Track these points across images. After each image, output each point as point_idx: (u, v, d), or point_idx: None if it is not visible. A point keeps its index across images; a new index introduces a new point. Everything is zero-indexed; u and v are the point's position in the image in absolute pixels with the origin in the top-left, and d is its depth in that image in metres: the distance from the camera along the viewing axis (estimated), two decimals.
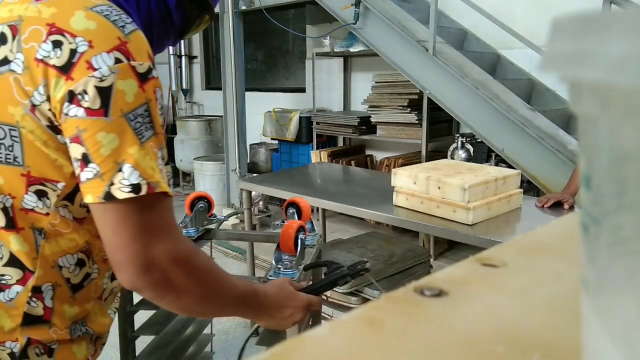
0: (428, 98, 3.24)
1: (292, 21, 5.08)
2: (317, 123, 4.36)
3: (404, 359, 0.23)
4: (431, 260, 2.71)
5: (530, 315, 0.28)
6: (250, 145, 4.84)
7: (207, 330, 1.35)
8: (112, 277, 0.82)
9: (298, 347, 0.24)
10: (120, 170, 0.64)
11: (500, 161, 3.04)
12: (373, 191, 2.46)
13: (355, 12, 3.24)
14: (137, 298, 1.34)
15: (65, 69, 0.63)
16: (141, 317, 1.26)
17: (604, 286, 0.16)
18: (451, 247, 3.68)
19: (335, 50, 4.23)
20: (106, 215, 0.66)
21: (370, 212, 2.13)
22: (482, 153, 3.36)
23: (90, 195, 0.65)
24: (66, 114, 0.64)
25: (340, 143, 4.72)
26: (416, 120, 3.63)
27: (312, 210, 3.88)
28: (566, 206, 1.98)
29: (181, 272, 0.69)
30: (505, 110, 2.71)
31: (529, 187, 2.87)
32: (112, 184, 0.64)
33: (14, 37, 0.66)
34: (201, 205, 1.32)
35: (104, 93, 0.63)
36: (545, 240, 0.40)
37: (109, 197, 0.64)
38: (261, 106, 4.96)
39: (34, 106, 0.66)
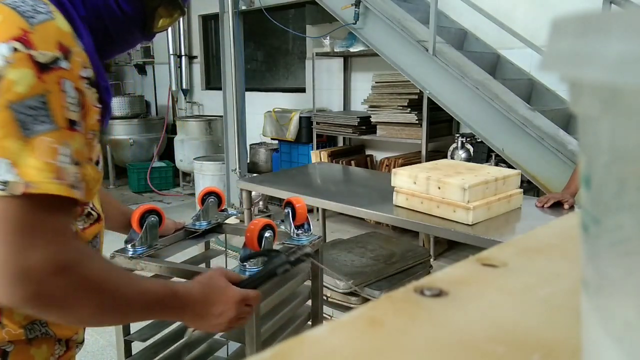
0: (428, 98, 3.24)
1: (292, 21, 5.08)
2: (317, 123, 4.36)
3: (404, 359, 0.23)
4: (431, 260, 2.72)
5: (530, 315, 0.28)
6: (250, 145, 4.84)
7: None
8: None
9: (298, 347, 0.24)
10: None
11: (500, 161, 3.04)
12: (373, 191, 2.46)
13: (355, 12, 3.24)
14: None
15: None
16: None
17: (604, 286, 0.16)
18: (451, 247, 3.68)
19: (335, 50, 4.23)
20: None
21: (370, 212, 2.13)
22: (482, 153, 3.36)
23: None
24: None
25: (340, 143, 4.72)
26: (416, 120, 3.63)
27: (312, 210, 3.90)
28: (566, 206, 1.98)
29: (64, 283, 0.61)
30: (505, 110, 2.71)
31: (529, 187, 2.87)
32: None
33: None
34: (212, 200, 1.34)
35: None
36: (545, 240, 0.40)
37: None
38: (261, 106, 4.97)
39: None
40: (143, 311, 0.72)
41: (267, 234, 1.09)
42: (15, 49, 0.59)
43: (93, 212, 0.82)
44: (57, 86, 0.61)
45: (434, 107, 3.29)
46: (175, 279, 1.16)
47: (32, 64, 0.59)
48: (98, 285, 0.65)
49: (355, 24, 3.27)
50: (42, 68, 0.60)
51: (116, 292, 0.67)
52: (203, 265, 1.32)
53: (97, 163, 0.76)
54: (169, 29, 5.46)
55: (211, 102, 5.93)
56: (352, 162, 4.20)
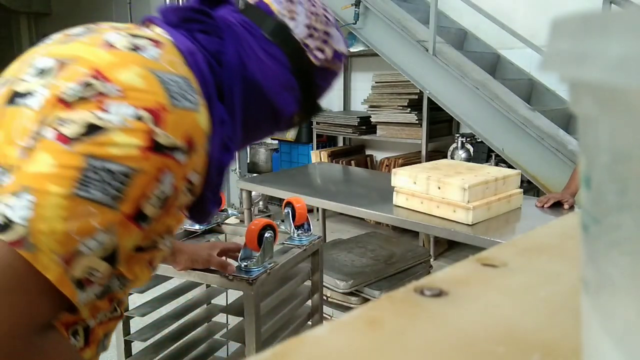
0: (428, 98, 3.24)
1: None
2: (317, 123, 4.35)
3: (404, 359, 0.23)
4: (431, 260, 2.71)
5: (530, 315, 0.28)
6: (250, 145, 4.84)
7: (216, 335, 1.35)
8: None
9: (298, 347, 0.24)
10: (18, 195, 0.48)
11: (500, 161, 3.04)
12: (373, 191, 2.46)
13: (355, 12, 3.24)
14: (133, 304, 1.35)
15: (72, 103, 0.52)
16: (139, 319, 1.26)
17: (604, 286, 0.16)
18: (451, 247, 3.68)
19: None
20: None
21: (370, 212, 2.13)
22: (482, 153, 3.37)
23: None
24: (40, 135, 0.51)
25: (340, 143, 4.72)
26: (416, 120, 3.63)
27: (312, 210, 3.89)
28: (566, 206, 1.98)
29: None
30: (505, 110, 2.71)
31: (529, 187, 2.87)
32: None
33: (55, 72, 0.55)
34: None
35: (91, 130, 0.50)
36: (545, 240, 0.40)
37: None
38: None
39: (28, 149, 0.53)
40: None
41: (267, 234, 1.09)
42: (140, 118, 0.51)
43: (118, 309, 0.69)
44: (155, 172, 0.52)
45: (434, 107, 3.29)
46: (174, 278, 1.16)
47: (147, 139, 0.51)
48: None
49: (355, 24, 3.27)
50: (155, 148, 0.52)
51: None
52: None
53: (154, 268, 0.67)
54: None
55: None
56: (352, 162, 4.20)
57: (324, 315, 1.41)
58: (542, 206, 2.01)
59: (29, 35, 7.86)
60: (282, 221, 1.30)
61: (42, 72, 0.56)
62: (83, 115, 0.50)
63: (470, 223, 1.83)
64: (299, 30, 0.71)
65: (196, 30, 0.66)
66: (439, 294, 0.30)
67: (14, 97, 0.56)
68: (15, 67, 0.61)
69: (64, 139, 0.49)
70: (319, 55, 0.72)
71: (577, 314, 0.19)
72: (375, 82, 3.97)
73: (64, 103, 0.52)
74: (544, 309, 0.29)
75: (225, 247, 1.15)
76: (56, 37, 0.63)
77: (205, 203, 0.66)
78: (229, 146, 0.65)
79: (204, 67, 0.63)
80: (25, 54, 0.63)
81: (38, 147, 0.50)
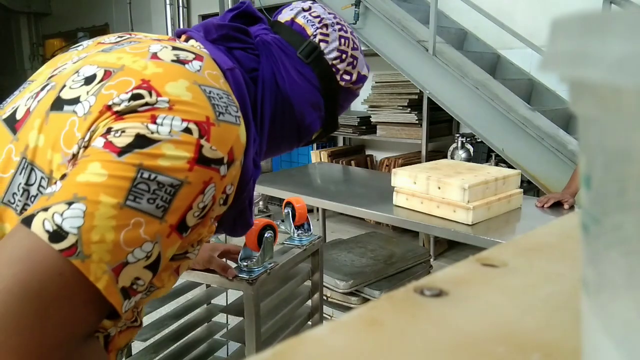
0: (428, 98, 3.24)
1: None
2: None
3: (404, 359, 0.23)
4: (431, 260, 2.71)
5: (530, 315, 0.28)
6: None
7: (216, 335, 1.35)
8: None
9: (298, 347, 0.24)
10: (69, 204, 0.47)
11: (500, 161, 3.04)
12: (373, 191, 2.46)
13: (355, 12, 3.24)
14: None
15: (123, 114, 0.52)
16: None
17: (604, 286, 0.16)
18: (451, 247, 3.68)
19: None
20: (6, 240, 0.48)
21: (370, 212, 2.13)
22: (482, 153, 3.37)
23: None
24: (88, 147, 0.52)
25: (340, 143, 4.72)
26: (416, 120, 3.63)
27: (312, 210, 3.89)
28: (566, 206, 1.98)
29: None
30: (505, 110, 2.71)
31: (529, 187, 2.87)
32: (46, 209, 0.47)
33: (101, 81, 0.56)
34: None
35: (141, 140, 0.50)
36: (545, 240, 0.40)
37: (27, 220, 0.47)
38: None
39: (74, 156, 0.53)
40: None
41: (267, 234, 1.09)
42: (189, 130, 0.52)
43: (138, 318, 0.69)
44: (201, 185, 0.53)
45: (434, 107, 3.29)
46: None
47: (194, 151, 0.52)
48: None
49: (355, 24, 3.27)
50: (202, 161, 0.52)
51: None
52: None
53: (179, 274, 0.68)
54: (169, 27, 5.48)
55: None
56: (352, 162, 4.20)
57: (324, 315, 1.41)
58: (542, 206, 2.01)
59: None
60: (282, 221, 1.30)
61: (88, 80, 0.56)
62: (133, 126, 0.51)
63: (470, 223, 1.83)
64: (330, 53, 0.75)
65: (235, 47, 0.69)
66: (439, 294, 0.30)
67: (59, 103, 0.56)
68: (48, 72, 0.61)
69: (114, 148, 0.50)
70: (346, 77, 0.76)
71: (577, 314, 0.19)
72: (375, 82, 3.97)
73: (114, 113, 0.52)
74: (544, 309, 0.29)
75: (226, 248, 1.15)
76: (88, 43, 0.64)
77: (245, 215, 0.68)
78: (257, 162, 0.67)
79: (242, 84, 0.64)
80: (57, 59, 0.63)
81: (87, 155, 0.50)
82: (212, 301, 1.34)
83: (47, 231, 0.46)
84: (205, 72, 0.58)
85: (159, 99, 0.53)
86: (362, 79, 0.79)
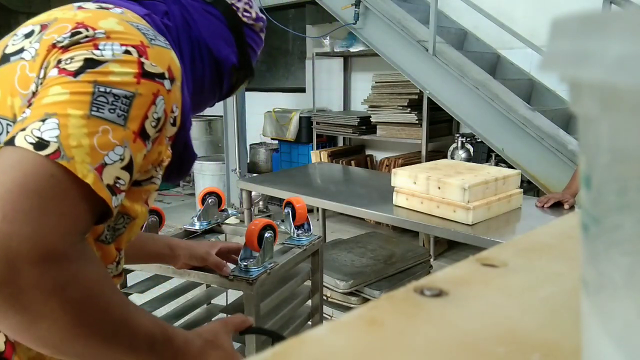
0: (428, 98, 3.24)
1: (292, 21, 5.08)
2: (317, 123, 4.36)
3: (404, 359, 0.23)
4: (431, 260, 2.72)
5: (530, 315, 0.28)
6: (250, 145, 4.84)
7: None
8: None
9: (298, 347, 0.24)
10: (43, 121, 0.53)
11: (500, 161, 3.04)
12: (373, 191, 2.46)
13: (355, 12, 3.24)
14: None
15: (68, 47, 0.59)
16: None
17: (604, 286, 0.16)
18: (451, 247, 3.68)
19: (335, 50, 4.23)
20: None
21: (370, 212, 2.13)
22: (482, 153, 3.37)
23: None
24: (45, 78, 0.58)
25: (340, 143, 4.72)
26: (416, 120, 3.63)
27: (312, 210, 3.90)
28: (566, 206, 1.98)
29: (47, 283, 0.49)
30: (505, 110, 2.71)
31: (529, 187, 2.87)
32: (24, 129, 0.52)
33: (40, 32, 0.63)
34: (212, 200, 1.35)
35: (90, 63, 0.57)
36: (545, 240, 0.40)
37: (10, 141, 0.52)
38: (261, 106, 4.96)
39: (34, 94, 0.58)
40: (126, 348, 0.58)
41: (267, 234, 1.09)
42: (128, 52, 0.59)
43: (121, 263, 0.72)
44: (151, 95, 0.60)
45: (434, 107, 3.29)
46: (174, 278, 1.16)
47: (137, 68, 0.59)
48: (84, 297, 0.52)
49: (355, 24, 3.27)
50: (146, 74, 0.59)
51: (102, 314, 0.54)
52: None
53: (148, 205, 0.73)
54: None
55: None
56: (352, 162, 4.20)
57: (324, 315, 1.41)
58: (542, 206, 2.01)
59: None
60: (282, 221, 1.30)
61: (27, 35, 0.64)
62: (80, 53, 0.58)
63: (470, 223, 1.83)
64: None
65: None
66: (439, 294, 0.30)
67: (5, 58, 0.63)
68: None
69: (69, 72, 0.56)
70: (247, 14, 0.85)
71: (577, 314, 0.19)
72: (375, 82, 3.97)
73: (60, 48, 0.59)
74: (544, 309, 0.29)
75: (225, 246, 1.15)
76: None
77: (188, 148, 0.75)
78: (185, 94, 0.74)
79: (160, 27, 0.73)
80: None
81: (46, 84, 0.57)
82: (212, 301, 1.34)
83: (31, 143, 0.52)
84: (128, 14, 0.67)
85: (96, 32, 0.60)
86: (260, 18, 0.88)
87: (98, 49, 0.58)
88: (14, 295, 0.48)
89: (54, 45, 0.60)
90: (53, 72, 0.57)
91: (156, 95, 0.60)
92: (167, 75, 0.62)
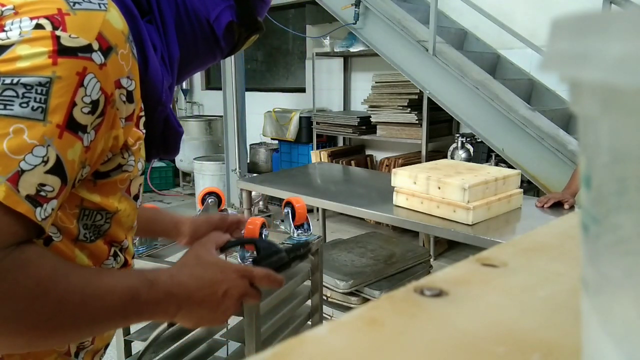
0: (428, 98, 3.24)
1: (292, 21, 5.08)
2: (317, 123, 4.36)
3: (404, 359, 0.23)
4: (431, 260, 2.72)
5: (530, 315, 0.28)
6: (250, 145, 4.84)
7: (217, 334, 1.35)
8: None
9: (298, 347, 0.24)
10: None
11: (500, 161, 3.04)
12: (373, 191, 2.46)
13: (355, 12, 3.24)
14: None
15: None
16: None
17: (604, 286, 0.16)
18: (451, 247, 3.68)
19: (335, 50, 4.23)
20: None
21: (370, 212, 2.13)
22: (482, 153, 3.37)
23: None
24: None
25: (340, 143, 4.72)
26: (416, 120, 3.63)
27: (312, 210, 3.90)
28: (566, 206, 1.98)
29: None
30: (505, 110, 2.71)
31: (529, 187, 2.87)
32: None
33: None
34: (211, 200, 1.35)
35: None
36: (545, 240, 0.40)
37: None
38: (261, 106, 4.97)
39: None
40: (100, 321, 0.56)
41: (265, 232, 1.09)
42: (39, 25, 0.50)
43: (120, 255, 0.67)
44: (74, 76, 0.50)
45: (434, 107, 3.29)
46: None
47: (52, 44, 0.49)
48: (29, 303, 0.49)
49: (355, 24, 3.27)
50: (63, 51, 0.50)
51: (56, 308, 0.51)
52: None
53: (135, 198, 0.66)
54: None
55: (211, 102, 5.93)
56: (352, 162, 4.20)
57: (324, 315, 1.41)
58: (542, 206, 2.01)
59: None
60: (282, 221, 1.30)
61: None
62: None
63: (470, 223, 1.83)
64: None
65: None
66: (439, 294, 0.30)
67: None
68: None
69: None
70: None
71: (577, 314, 0.19)
72: (375, 82, 3.97)
73: None
74: (544, 309, 0.29)
75: (233, 219, 1.01)
76: None
77: (170, 123, 0.66)
78: (167, 66, 0.65)
79: None
80: None
81: None
82: None
83: None
84: None
85: (4, 8, 0.51)
86: None
87: (4, 30, 0.50)
88: None
89: None
90: None
91: (82, 75, 0.51)
92: (95, 46, 0.52)
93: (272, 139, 4.87)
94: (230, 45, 0.76)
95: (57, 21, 0.50)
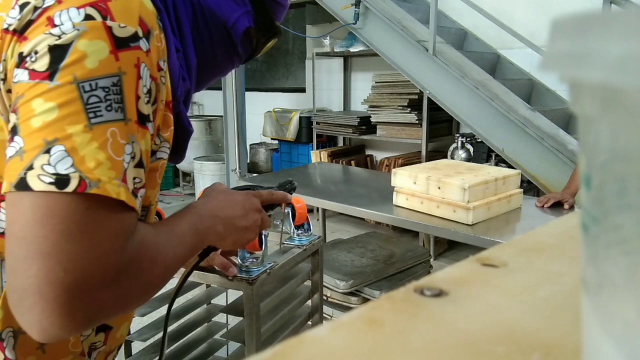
0: (428, 98, 3.24)
1: (292, 21, 5.08)
2: (317, 123, 4.36)
3: (404, 359, 0.23)
4: (431, 260, 2.71)
5: (530, 315, 0.28)
6: (250, 145, 4.84)
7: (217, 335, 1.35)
8: (100, 328, 0.66)
9: (298, 347, 0.24)
10: (47, 151, 0.47)
11: (500, 161, 3.04)
12: (373, 191, 2.46)
13: (355, 12, 3.24)
14: None
15: (23, 31, 0.50)
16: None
17: (604, 286, 0.16)
18: (451, 247, 3.68)
19: (335, 50, 4.23)
20: (17, 211, 0.47)
21: (370, 212, 2.13)
22: (482, 153, 3.37)
23: (5, 182, 0.48)
24: (14, 83, 0.50)
25: (340, 143, 4.72)
26: (416, 120, 3.63)
27: (312, 210, 3.89)
28: (566, 206, 1.98)
29: (128, 284, 0.52)
30: (505, 110, 2.71)
31: (529, 187, 2.87)
32: (31, 167, 0.47)
33: None
34: None
35: (57, 52, 0.48)
36: (545, 240, 0.40)
37: (22, 185, 0.47)
38: (261, 106, 4.97)
39: None
40: (188, 255, 0.65)
41: (264, 232, 1.09)
42: (89, 16, 0.49)
43: None
44: (134, 69, 0.51)
45: (434, 107, 3.29)
46: (174, 278, 1.16)
47: (108, 37, 0.50)
48: (157, 266, 0.56)
49: (355, 24, 3.27)
50: (119, 44, 0.50)
51: (166, 264, 0.59)
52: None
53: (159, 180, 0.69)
54: None
55: (211, 102, 5.93)
56: (352, 162, 4.20)
57: (324, 315, 1.41)
58: (542, 206, 2.01)
59: None
60: (282, 221, 1.30)
61: None
62: (39, 40, 0.49)
63: (470, 223, 1.83)
64: None
65: None
66: (439, 294, 0.30)
67: None
68: None
69: (40, 75, 0.49)
70: None
71: (577, 314, 0.19)
72: (375, 82, 3.97)
73: (14, 34, 0.51)
74: (544, 309, 0.29)
75: None
76: None
77: (182, 120, 0.67)
78: (184, 74, 0.66)
79: None
80: None
81: (21, 95, 0.49)
82: (212, 301, 1.34)
83: (51, 183, 0.47)
84: None
85: None
86: None
87: (55, 25, 0.49)
88: (99, 312, 0.50)
89: (6, 31, 0.51)
90: (22, 76, 0.49)
91: (138, 66, 0.52)
92: (140, 33, 0.53)
93: (272, 139, 4.86)
94: (248, 52, 0.76)
95: (102, 9, 0.51)
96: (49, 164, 0.47)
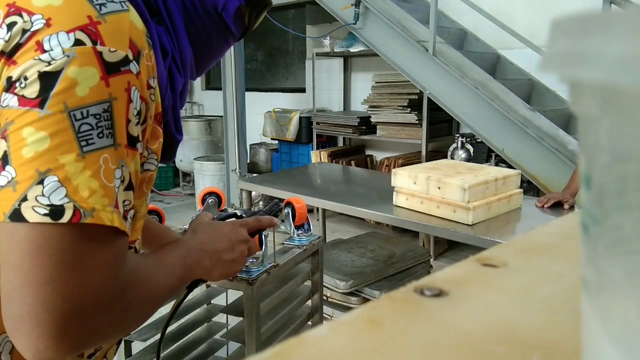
0: (428, 98, 3.24)
1: (292, 21, 5.09)
2: (317, 123, 4.36)
3: (404, 359, 0.23)
4: (431, 260, 2.71)
5: (530, 315, 0.28)
6: (250, 145, 4.84)
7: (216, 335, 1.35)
8: None
9: (298, 347, 0.24)
10: (41, 182, 0.47)
11: (500, 161, 3.04)
12: (373, 191, 2.46)
13: (355, 12, 3.24)
14: None
15: (11, 54, 0.50)
16: None
17: (604, 286, 0.16)
18: (451, 247, 3.68)
19: (335, 50, 4.23)
20: (13, 241, 0.48)
21: (370, 212, 2.13)
22: (482, 153, 3.37)
23: None
24: (3, 107, 0.49)
25: (340, 143, 4.72)
26: (416, 120, 3.63)
27: (312, 210, 3.90)
28: (566, 206, 1.98)
29: (114, 315, 0.53)
30: (505, 110, 2.71)
31: (529, 187, 2.87)
32: (25, 198, 0.47)
33: None
34: (212, 200, 1.34)
35: (47, 79, 0.48)
36: (545, 240, 0.40)
37: (16, 216, 0.47)
38: (261, 106, 4.97)
39: None
40: (176, 287, 0.67)
41: (264, 233, 1.09)
42: (79, 41, 0.49)
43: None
44: (124, 94, 0.52)
45: (434, 107, 3.29)
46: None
47: (98, 62, 0.50)
48: (149, 294, 0.59)
49: (355, 24, 3.28)
50: (110, 69, 0.50)
51: (157, 292, 0.61)
52: None
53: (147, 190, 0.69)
54: None
55: (211, 102, 5.93)
56: (352, 162, 4.20)
57: (324, 315, 1.41)
58: (542, 206, 2.01)
59: None
60: (282, 221, 1.30)
61: None
62: (29, 66, 0.49)
63: (470, 223, 1.83)
64: None
65: None
66: (439, 294, 0.30)
67: None
68: None
69: (31, 102, 0.48)
70: None
71: (577, 314, 0.19)
72: (375, 82, 3.97)
73: (2, 55, 0.50)
74: (544, 309, 0.29)
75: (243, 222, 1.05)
76: None
77: (169, 128, 0.67)
78: (180, 68, 0.66)
79: None
80: None
81: (10, 121, 0.49)
82: (212, 301, 1.34)
83: (45, 214, 0.47)
84: None
85: (33, 18, 0.50)
86: None
87: (44, 50, 0.49)
88: (92, 337, 0.52)
89: None
90: (12, 101, 0.49)
91: (129, 90, 0.52)
92: (130, 56, 0.53)
93: (272, 139, 4.87)
94: (241, 29, 0.75)
95: (92, 33, 0.50)
96: (43, 195, 0.47)
